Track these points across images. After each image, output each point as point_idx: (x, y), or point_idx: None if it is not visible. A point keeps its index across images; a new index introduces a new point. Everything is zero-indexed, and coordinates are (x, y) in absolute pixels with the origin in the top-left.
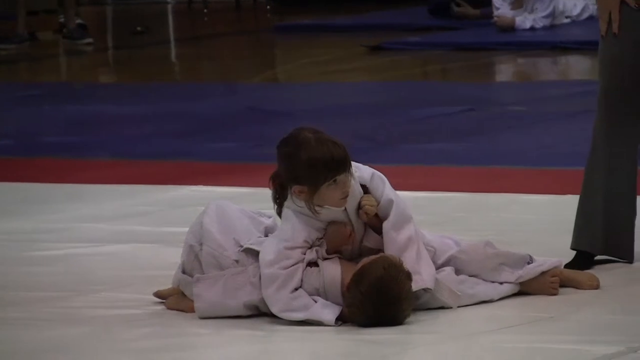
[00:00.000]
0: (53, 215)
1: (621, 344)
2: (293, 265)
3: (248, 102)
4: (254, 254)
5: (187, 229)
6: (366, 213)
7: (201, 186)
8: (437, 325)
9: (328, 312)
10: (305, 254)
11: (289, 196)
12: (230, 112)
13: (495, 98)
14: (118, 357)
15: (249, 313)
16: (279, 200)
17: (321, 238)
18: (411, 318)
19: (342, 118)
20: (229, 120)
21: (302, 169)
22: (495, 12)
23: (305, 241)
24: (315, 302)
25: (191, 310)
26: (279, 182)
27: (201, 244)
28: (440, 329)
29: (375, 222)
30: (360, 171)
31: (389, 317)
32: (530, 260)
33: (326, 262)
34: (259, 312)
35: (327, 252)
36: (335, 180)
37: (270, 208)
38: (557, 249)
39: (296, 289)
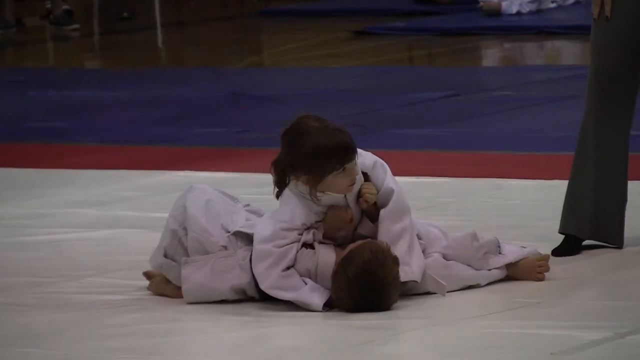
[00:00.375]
0: (39, 201)
1: (608, 330)
2: (288, 244)
3: (233, 87)
4: (243, 237)
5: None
6: (366, 201)
7: (187, 171)
8: (424, 311)
9: (316, 296)
10: (301, 235)
11: (290, 180)
12: (216, 97)
13: (481, 83)
14: (105, 343)
15: (236, 297)
16: (280, 185)
17: (319, 221)
18: (399, 303)
19: (327, 103)
20: (214, 106)
21: (307, 158)
22: None
23: (303, 224)
24: (305, 284)
25: (176, 295)
26: (280, 167)
27: (185, 229)
28: (428, 314)
29: (372, 210)
30: (362, 158)
31: (375, 301)
32: (499, 244)
33: (322, 246)
34: (246, 297)
35: (324, 236)
36: (344, 169)
37: (255, 193)
38: (544, 234)
39: (288, 268)
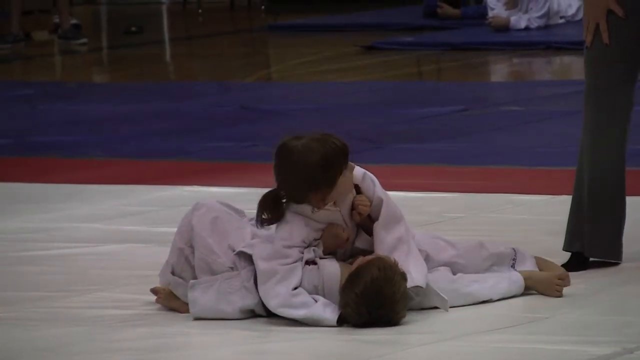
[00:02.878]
0: (47, 215)
1: (617, 345)
2: (292, 262)
3: (242, 101)
4: (246, 257)
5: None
6: (359, 213)
7: (195, 186)
8: (433, 326)
9: (329, 311)
10: (302, 253)
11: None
12: (224, 111)
13: (489, 98)
14: (112, 357)
15: (245, 317)
16: (277, 216)
17: (318, 239)
18: (407, 318)
19: (335, 118)
20: (222, 120)
21: (319, 172)
22: (490, 13)
23: (303, 241)
24: (316, 301)
25: (183, 309)
26: (274, 198)
27: (191, 247)
28: (437, 329)
29: (367, 222)
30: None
31: (384, 318)
32: (515, 257)
33: (325, 260)
34: (254, 315)
35: (323, 252)
36: (344, 175)
37: None
38: (552, 249)
39: (296, 288)
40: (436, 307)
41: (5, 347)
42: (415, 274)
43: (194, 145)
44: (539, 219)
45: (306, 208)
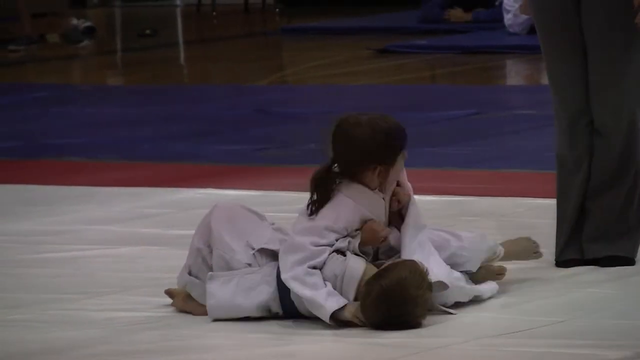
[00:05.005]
0: (60, 218)
1: (630, 349)
2: (324, 245)
3: (255, 104)
4: (268, 253)
5: (194, 232)
6: (399, 201)
7: (209, 189)
8: (447, 329)
9: (331, 300)
10: (337, 241)
11: (344, 182)
12: (238, 114)
13: (502, 101)
14: None
15: (261, 314)
16: (325, 194)
17: (358, 230)
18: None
19: None
20: (236, 123)
21: (382, 148)
22: (506, 15)
23: (345, 229)
24: (325, 286)
25: (199, 312)
26: (326, 176)
27: (209, 247)
28: (453, 333)
29: (395, 217)
30: None
31: (400, 318)
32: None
33: (353, 256)
34: (270, 315)
35: (359, 247)
36: (403, 156)
37: (278, 211)
38: None
39: (315, 268)
40: (447, 312)
41: (18, 350)
42: (437, 270)
43: (207, 148)
44: (551, 222)
45: (358, 188)
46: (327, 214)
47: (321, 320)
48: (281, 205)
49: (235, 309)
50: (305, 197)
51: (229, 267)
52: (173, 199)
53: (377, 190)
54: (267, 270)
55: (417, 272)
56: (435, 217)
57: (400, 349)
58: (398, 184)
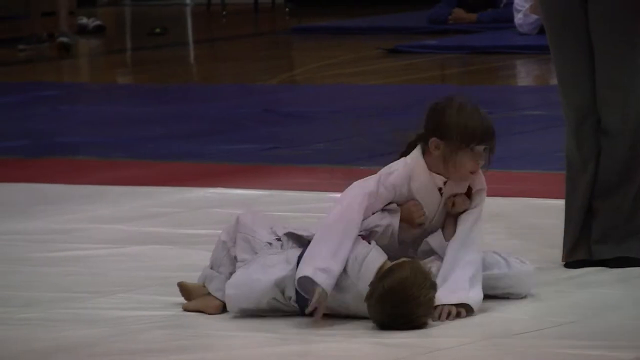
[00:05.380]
0: (70, 216)
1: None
2: (382, 191)
3: (264, 103)
4: (295, 239)
5: (203, 231)
6: (453, 204)
7: (218, 188)
8: (457, 329)
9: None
10: (382, 204)
11: (415, 153)
12: (247, 113)
13: (512, 102)
14: (134, 358)
15: (272, 296)
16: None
17: (400, 205)
18: (430, 322)
19: (359, 121)
20: (245, 122)
21: (452, 124)
22: (517, 15)
23: (394, 188)
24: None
25: (212, 310)
26: (415, 139)
27: (234, 240)
28: (461, 333)
29: (447, 223)
30: (480, 176)
31: (403, 318)
32: None
33: (377, 247)
34: (283, 302)
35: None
36: (474, 149)
37: (285, 210)
38: None
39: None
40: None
41: (28, 348)
42: (473, 295)
43: (216, 147)
44: (559, 223)
45: (420, 164)
46: (387, 168)
47: (331, 319)
48: (289, 205)
49: (252, 285)
50: (313, 196)
51: (251, 247)
52: (182, 198)
53: (437, 176)
54: (291, 252)
55: (419, 271)
56: None
57: (410, 349)
58: (470, 193)
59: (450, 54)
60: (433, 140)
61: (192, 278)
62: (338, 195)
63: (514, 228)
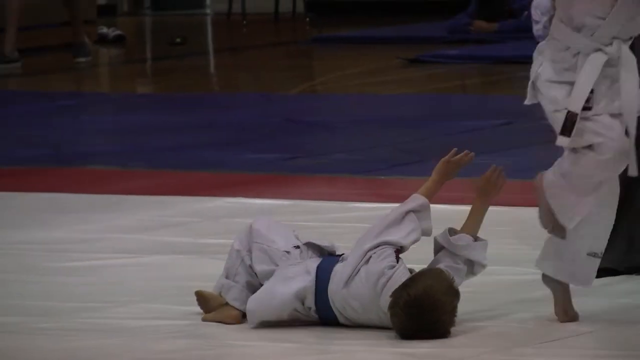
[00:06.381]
0: (89, 226)
1: None
2: None
3: (286, 113)
4: (315, 249)
5: (222, 241)
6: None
7: (237, 197)
8: (475, 339)
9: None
10: None
11: None
12: (268, 123)
13: (532, 112)
14: None
15: (294, 307)
16: None
17: None
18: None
19: (379, 130)
20: (266, 132)
21: None
22: (535, 26)
23: None
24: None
25: (231, 320)
26: None
27: (249, 251)
28: (480, 343)
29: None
30: None
31: (429, 324)
32: None
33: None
34: (302, 312)
35: None
36: None
37: (307, 220)
38: None
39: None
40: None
41: (45, 357)
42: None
43: (236, 157)
44: None
45: None
46: None
47: (353, 330)
48: (310, 215)
49: (273, 298)
50: (333, 206)
51: (269, 258)
52: (201, 208)
53: None
54: (310, 262)
55: (443, 279)
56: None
57: (429, 359)
58: None
59: (470, 63)
60: None
61: (210, 288)
62: (359, 204)
63: (533, 237)
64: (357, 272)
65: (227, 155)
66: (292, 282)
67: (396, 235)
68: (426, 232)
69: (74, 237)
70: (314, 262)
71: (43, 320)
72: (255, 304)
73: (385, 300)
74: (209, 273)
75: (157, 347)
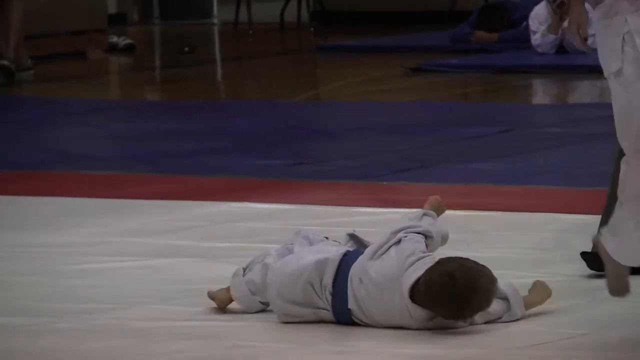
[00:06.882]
0: (98, 229)
1: None
2: None
3: (290, 120)
4: (356, 240)
5: (227, 244)
6: None
7: (242, 202)
8: (476, 341)
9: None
10: None
11: None
12: (273, 129)
13: (534, 119)
14: None
15: (309, 279)
16: None
17: None
18: (452, 332)
19: (383, 137)
20: (270, 138)
21: None
22: (533, 36)
23: None
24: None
25: (220, 301)
26: None
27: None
28: (480, 344)
29: None
30: None
31: (469, 300)
32: None
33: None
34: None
35: None
36: None
37: (312, 225)
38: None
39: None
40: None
41: (55, 358)
42: None
43: (241, 163)
44: (582, 238)
45: None
46: None
47: (351, 330)
48: (312, 219)
49: (296, 261)
50: (337, 210)
51: (309, 241)
52: (206, 212)
53: None
54: (345, 247)
55: (468, 261)
56: (466, 232)
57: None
58: None
59: (472, 72)
60: None
61: (215, 289)
62: (361, 209)
63: (535, 243)
64: (386, 250)
65: (233, 161)
66: (319, 253)
67: (422, 226)
68: (445, 237)
69: (82, 240)
70: (349, 247)
71: (52, 322)
72: (278, 269)
73: (408, 279)
74: (214, 275)
75: (167, 348)
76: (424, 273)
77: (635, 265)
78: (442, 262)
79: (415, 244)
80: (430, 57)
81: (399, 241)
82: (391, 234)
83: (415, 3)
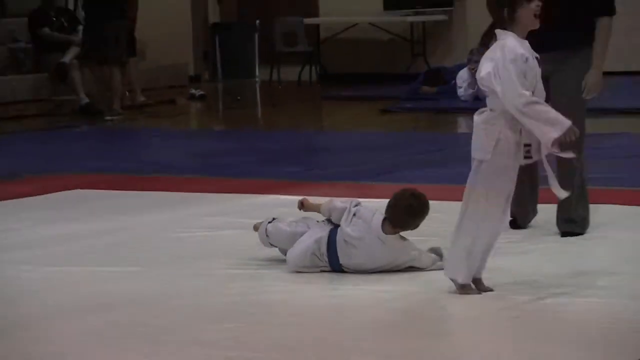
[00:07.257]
0: (178, 213)
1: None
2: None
3: (305, 142)
4: (331, 222)
5: (263, 221)
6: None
7: (274, 195)
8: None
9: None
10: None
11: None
12: (294, 148)
13: (457, 143)
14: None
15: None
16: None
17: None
18: (418, 275)
19: (365, 153)
20: (293, 154)
21: None
22: (459, 90)
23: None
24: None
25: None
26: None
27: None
28: (441, 281)
29: None
30: None
31: (423, 208)
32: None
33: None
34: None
35: None
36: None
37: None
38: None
39: None
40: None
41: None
42: None
43: (273, 170)
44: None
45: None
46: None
47: (355, 276)
48: None
49: (301, 245)
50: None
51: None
52: (251, 202)
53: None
54: (329, 226)
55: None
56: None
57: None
58: None
59: (420, 112)
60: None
61: (255, 250)
62: (355, 200)
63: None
64: (352, 219)
65: (267, 168)
66: (314, 235)
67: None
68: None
69: (174, 216)
70: (330, 227)
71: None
72: (291, 251)
73: (377, 221)
74: (257, 242)
75: (224, 290)
76: (391, 202)
77: None
78: (401, 193)
79: (365, 209)
80: (394, 103)
81: (354, 214)
82: (348, 211)
83: (386, 67)
